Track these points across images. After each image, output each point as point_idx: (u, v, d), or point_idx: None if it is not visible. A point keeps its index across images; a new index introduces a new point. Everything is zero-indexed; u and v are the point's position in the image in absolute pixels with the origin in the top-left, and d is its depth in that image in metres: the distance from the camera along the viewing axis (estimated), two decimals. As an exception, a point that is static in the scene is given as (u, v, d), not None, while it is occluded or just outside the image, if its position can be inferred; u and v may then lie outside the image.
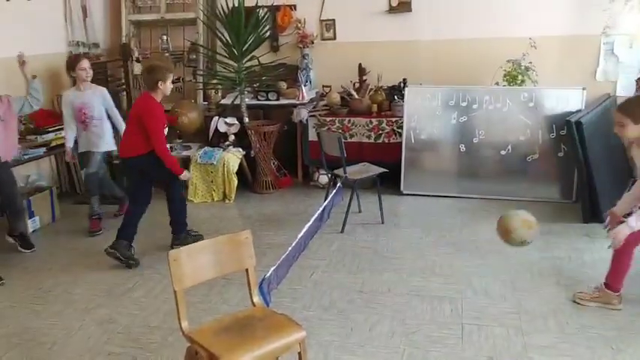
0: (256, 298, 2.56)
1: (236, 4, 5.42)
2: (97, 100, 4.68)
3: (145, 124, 3.89)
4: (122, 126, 4.68)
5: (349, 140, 5.44)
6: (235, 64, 5.51)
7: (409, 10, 5.84)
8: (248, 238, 2.54)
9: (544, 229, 4.38)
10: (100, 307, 3.47)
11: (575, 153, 4.50)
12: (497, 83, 5.45)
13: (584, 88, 5.01)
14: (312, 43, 6.06)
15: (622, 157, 5.40)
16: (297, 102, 5.70)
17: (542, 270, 3.72)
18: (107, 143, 4.79)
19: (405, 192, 5.34)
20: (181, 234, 4.32)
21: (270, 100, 5.83)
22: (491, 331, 3.02)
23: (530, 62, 5.32)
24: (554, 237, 4.24)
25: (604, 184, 4.54)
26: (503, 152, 5.15)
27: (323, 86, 6.10)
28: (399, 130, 5.38)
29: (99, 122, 4.69)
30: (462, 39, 5.75)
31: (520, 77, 5.33)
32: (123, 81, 5.86)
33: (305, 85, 5.90)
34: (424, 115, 5.29)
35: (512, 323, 3.08)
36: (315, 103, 5.82)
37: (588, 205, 4.49)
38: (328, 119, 5.56)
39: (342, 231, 4.51)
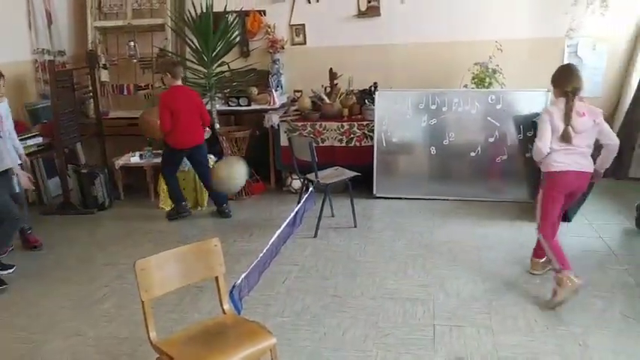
0: (227, 306, 2.53)
1: (204, 10, 5.38)
2: None
3: (203, 110, 4.93)
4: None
5: (321, 145, 5.45)
6: (205, 70, 5.47)
7: (378, 14, 5.89)
8: (217, 245, 2.51)
9: (515, 229, 4.47)
10: (67, 319, 3.39)
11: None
12: (465, 86, 5.53)
13: (548, 90, 5.10)
14: (283, 48, 6.06)
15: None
16: (269, 107, 5.69)
17: (512, 270, 3.77)
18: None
19: (377, 195, 5.37)
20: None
21: (241, 105, 5.80)
22: (462, 331, 3.04)
23: (497, 65, 5.42)
24: (523, 237, 4.30)
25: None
26: (472, 154, 5.21)
27: (294, 91, 6.11)
28: (371, 134, 5.41)
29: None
30: (430, 42, 5.82)
31: (488, 80, 5.42)
32: (90, 88, 5.76)
33: (276, 90, 5.89)
34: (395, 119, 5.32)
35: (483, 323, 3.11)
36: (286, 108, 5.81)
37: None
38: (300, 124, 5.55)
39: (315, 236, 4.50)
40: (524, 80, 5.49)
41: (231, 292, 2.58)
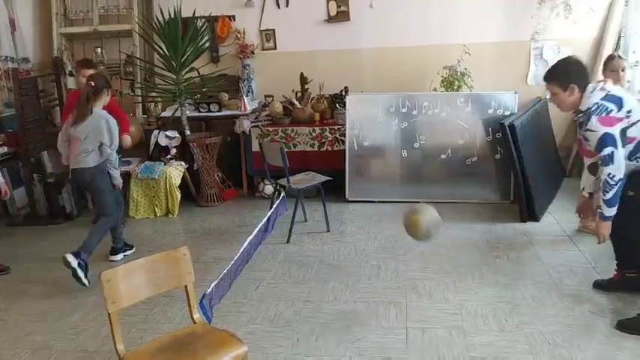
0: (197, 315, 2.50)
1: (172, 15, 5.33)
2: None
3: None
4: None
5: (293, 150, 5.44)
6: (174, 76, 5.42)
7: (347, 19, 5.92)
8: (186, 254, 2.48)
9: (485, 230, 4.53)
10: (34, 333, 3.30)
11: (509, 155, 4.65)
12: (435, 89, 5.59)
13: (516, 92, 5.21)
14: (253, 53, 6.04)
15: (554, 154, 5.65)
16: (240, 113, 5.65)
17: (483, 270, 3.81)
18: None
19: (350, 199, 5.38)
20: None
21: (211, 111, 5.76)
22: (434, 333, 3.06)
23: (466, 68, 5.49)
24: (494, 237, 4.36)
25: (539, 183, 4.72)
26: (443, 156, 5.27)
27: (265, 96, 6.08)
28: (342, 138, 5.42)
29: None
30: (400, 47, 5.87)
31: (457, 83, 5.49)
32: (56, 96, 5.65)
33: (247, 96, 5.86)
34: (366, 122, 5.35)
35: (455, 324, 3.14)
36: (257, 113, 5.78)
37: (525, 205, 4.64)
38: (271, 129, 5.54)
39: (287, 241, 4.49)
40: (493, 83, 5.58)
41: (201, 301, 2.55)
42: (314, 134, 5.49)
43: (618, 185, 2.84)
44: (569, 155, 5.75)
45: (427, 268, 3.89)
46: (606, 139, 2.80)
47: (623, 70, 4.01)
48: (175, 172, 5.34)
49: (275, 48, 6.12)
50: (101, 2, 5.99)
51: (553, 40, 5.66)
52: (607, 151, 2.81)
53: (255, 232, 3.42)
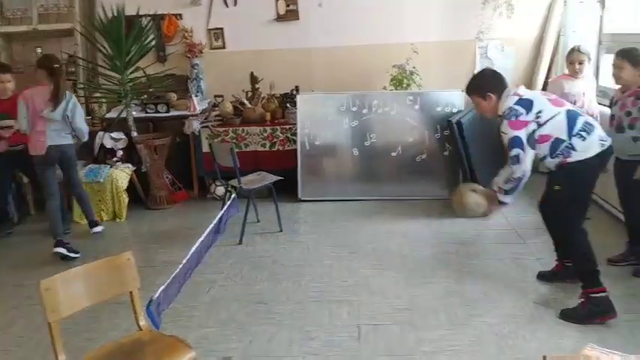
0: (143, 322, 2.43)
1: (115, 14, 5.17)
2: None
3: None
4: None
5: (244, 150, 5.39)
6: (119, 76, 5.26)
7: (297, 18, 5.91)
8: (130, 259, 2.41)
9: (435, 225, 4.61)
10: (-29, 347, 3.14)
11: (457, 151, 4.75)
12: (384, 88, 5.65)
13: (463, 90, 5.29)
14: (201, 52, 5.95)
15: (500, 150, 5.79)
16: (189, 113, 5.54)
17: (433, 266, 3.88)
18: None
19: (302, 198, 5.37)
20: None
21: (159, 112, 5.62)
22: (386, 329, 3.09)
23: (414, 67, 5.57)
24: (444, 232, 4.44)
25: (486, 178, 4.82)
26: (393, 154, 5.33)
27: (215, 96, 5.99)
28: (294, 137, 5.40)
29: None
30: (349, 46, 5.90)
31: (405, 81, 5.56)
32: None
33: (196, 96, 5.76)
34: (317, 122, 5.35)
35: (406, 320, 3.18)
36: (207, 113, 5.69)
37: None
38: (222, 129, 5.46)
39: (240, 242, 4.44)
40: (440, 81, 5.69)
41: (148, 306, 2.48)
42: (265, 134, 5.45)
43: (519, 182, 3.06)
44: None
45: (379, 265, 3.92)
46: (514, 141, 3.01)
47: (580, 64, 4.16)
48: (122, 174, 5.19)
49: (224, 47, 6.04)
50: (40, 0, 5.76)
51: (497, 39, 5.82)
52: (514, 152, 3.01)
53: (206, 233, 3.36)
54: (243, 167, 4.59)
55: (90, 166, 5.23)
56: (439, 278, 3.69)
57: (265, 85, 5.76)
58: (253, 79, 5.78)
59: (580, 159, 2.98)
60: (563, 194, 3.07)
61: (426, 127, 5.29)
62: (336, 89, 5.61)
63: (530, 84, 5.83)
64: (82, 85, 5.65)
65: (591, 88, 4.38)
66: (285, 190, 5.20)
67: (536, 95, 3.18)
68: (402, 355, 2.85)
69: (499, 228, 4.48)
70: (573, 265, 3.28)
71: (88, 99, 5.68)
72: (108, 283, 2.33)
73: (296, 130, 5.36)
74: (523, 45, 5.79)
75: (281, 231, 4.65)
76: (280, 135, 5.44)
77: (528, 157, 3.01)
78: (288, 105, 5.62)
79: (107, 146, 5.34)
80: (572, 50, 4.30)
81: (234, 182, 4.57)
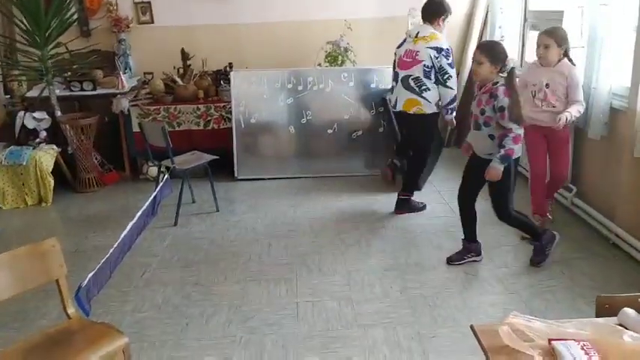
0: (72, 310, 2.33)
1: (32, -15, 4.83)
2: None
3: None
4: None
5: (177, 129, 5.24)
6: (39, 52, 4.95)
7: (229, -8, 5.74)
8: (55, 246, 2.29)
9: (371, 201, 4.68)
10: None
11: (391, 127, 4.81)
12: (319, 64, 5.62)
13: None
14: (128, 27, 5.69)
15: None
16: (117, 91, 5.31)
17: (369, 240, 3.95)
18: None
19: (239, 177, 5.30)
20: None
21: (85, 90, 5.35)
22: (324, 305, 3.13)
23: (348, 43, 5.56)
24: (380, 207, 4.52)
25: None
26: (329, 131, 5.34)
27: (145, 73, 5.77)
28: (229, 116, 5.30)
29: None
30: (283, 22, 5.81)
31: (340, 58, 5.55)
32: None
33: (124, 73, 5.53)
34: (252, 99, 5.26)
35: (343, 295, 3.22)
36: (136, 91, 5.47)
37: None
38: (152, 108, 5.27)
39: (175, 224, 4.34)
40: (374, 58, 5.70)
41: (76, 294, 2.38)
42: (199, 112, 5.31)
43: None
44: (446, 127, 6.06)
45: (316, 243, 3.95)
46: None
47: (546, 48, 3.60)
48: (46, 156, 4.92)
49: (152, 22, 5.79)
50: (-54, -31, 5.30)
51: (429, 15, 5.88)
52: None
53: (138, 215, 3.25)
54: (177, 147, 4.47)
55: (11, 147, 4.92)
56: (375, 252, 3.76)
57: (197, 62, 5.60)
58: (184, 56, 5.60)
59: None
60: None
61: (362, 104, 5.33)
62: (271, 66, 5.53)
63: (460, 61, 5.98)
64: (-2, 62, 5.28)
65: (562, 79, 3.61)
66: (222, 169, 5.11)
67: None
68: (339, 329, 2.90)
69: (433, 202, 4.60)
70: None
71: (5, 77, 5.32)
72: (31, 271, 2.22)
73: (230, 108, 5.26)
74: (454, 20, 5.87)
75: (218, 211, 4.58)
76: (215, 113, 5.32)
77: None
78: (221, 82, 5.49)
79: (29, 127, 5.04)
80: (540, 32, 3.75)
81: (167, 162, 4.44)
